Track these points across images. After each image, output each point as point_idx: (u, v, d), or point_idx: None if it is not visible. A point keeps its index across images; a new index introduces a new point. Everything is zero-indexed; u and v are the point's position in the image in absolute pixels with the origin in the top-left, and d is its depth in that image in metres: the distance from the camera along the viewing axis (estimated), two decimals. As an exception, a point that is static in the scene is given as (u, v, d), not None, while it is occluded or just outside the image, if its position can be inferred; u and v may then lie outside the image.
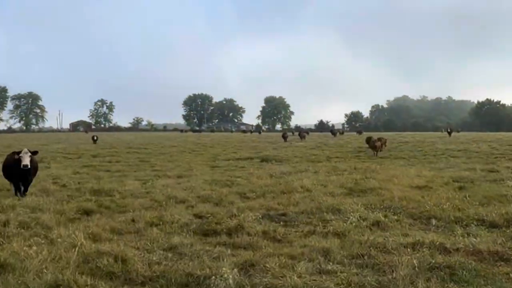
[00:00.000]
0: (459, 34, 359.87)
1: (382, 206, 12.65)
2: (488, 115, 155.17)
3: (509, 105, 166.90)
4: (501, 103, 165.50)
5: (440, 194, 14.34)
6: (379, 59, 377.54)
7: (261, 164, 30.15)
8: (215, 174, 23.19)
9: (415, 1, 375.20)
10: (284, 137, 62.65)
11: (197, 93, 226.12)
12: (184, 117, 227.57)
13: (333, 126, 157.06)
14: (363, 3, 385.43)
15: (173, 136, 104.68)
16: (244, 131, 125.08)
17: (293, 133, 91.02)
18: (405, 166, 26.82)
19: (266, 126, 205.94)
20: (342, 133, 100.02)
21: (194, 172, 24.42)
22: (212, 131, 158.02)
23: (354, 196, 14.91)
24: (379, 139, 37.19)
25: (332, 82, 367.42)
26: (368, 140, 41.53)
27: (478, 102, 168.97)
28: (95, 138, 58.13)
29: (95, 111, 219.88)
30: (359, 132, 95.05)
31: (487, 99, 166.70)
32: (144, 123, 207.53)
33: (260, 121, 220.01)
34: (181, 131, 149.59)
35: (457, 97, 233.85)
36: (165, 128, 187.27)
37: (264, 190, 16.00)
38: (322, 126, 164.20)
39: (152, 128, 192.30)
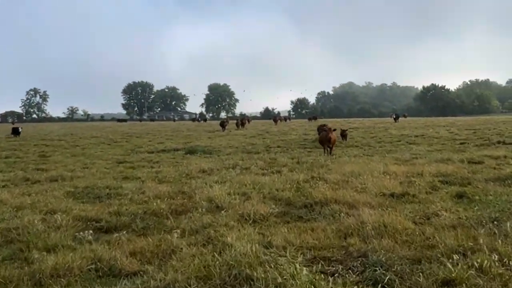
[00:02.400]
0: (404, 20, 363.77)
1: (343, 256, 6.50)
2: (433, 100, 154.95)
3: (454, 90, 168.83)
4: (445, 87, 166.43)
5: (440, 214, 8.37)
6: (325, 45, 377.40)
7: (184, 158, 24.72)
8: (106, 175, 17.29)
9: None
10: (223, 125, 55.96)
11: (137, 81, 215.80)
12: (124, 106, 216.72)
13: (278, 113, 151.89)
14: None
15: (105, 126, 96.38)
16: (193, 119, 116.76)
17: (249, 120, 78.29)
18: (361, 156, 21.45)
19: (210, 114, 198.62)
20: (286, 120, 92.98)
21: (82, 172, 18.26)
22: (152, 120, 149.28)
23: (290, 220, 8.85)
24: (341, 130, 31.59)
25: (278, 69, 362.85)
26: (321, 130, 29.78)
27: (424, 87, 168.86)
28: (19, 129, 49.20)
29: (27, 101, 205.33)
30: (314, 119, 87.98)
31: (432, 84, 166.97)
32: (79, 113, 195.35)
33: (204, 109, 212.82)
34: (118, 120, 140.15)
35: (401, 83, 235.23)
36: (102, 118, 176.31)
37: (143, 210, 9.64)
38: (268, 114, 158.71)
39: (88, 118, 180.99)
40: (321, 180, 13.23)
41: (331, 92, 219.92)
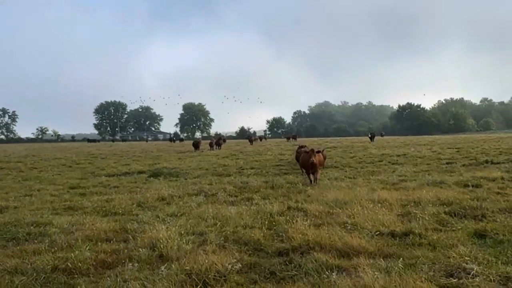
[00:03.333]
0: (380, 40, 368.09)
1: None
2: (409, 119, 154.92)
3: (429, 108, 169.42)
4: (421, 106, 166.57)
5: (468, 269, 6.04)
6: (301, 64, 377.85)
7: (147, 181, 22.12)
8: (46, 206, 15.00)
9: (338, 5, 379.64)
10: (196, 145, 53.16)
11: (110, 101, 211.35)
12: (96, 126, 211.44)
13: (254, 132, 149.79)
14: (286, 6, 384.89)
15: (73, 146, 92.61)
16: (170, 140, 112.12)
17: (224, 140, 71.30)
18: (343, 179, 19.19)
19: (185, 134, 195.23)
20: (261, 139, 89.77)
21: (19, 202, 15.99)
22: (124, 140, 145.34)
23: (259, 280, 6.41)
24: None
25: (254, 88, 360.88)
26: (300, 152, 22.72)
27: (399, 106, 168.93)
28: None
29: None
30: (293, 138, 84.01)
31: (408, 103, 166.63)
32: (49, 133, 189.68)
33: (178, 129, 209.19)
34: (88, 140, 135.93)
35: (377, 102, 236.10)
36: (73, 139, 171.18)
37: (55, 263, 7.06)
38: (243, 133, 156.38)
39: (58, 138, 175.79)
40: (300, 212, 10.95)
41: (307, 111, 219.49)
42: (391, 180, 17.92)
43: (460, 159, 28.33)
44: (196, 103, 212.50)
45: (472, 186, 15.32)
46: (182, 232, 8.59)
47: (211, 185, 18.63)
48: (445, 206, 10.96)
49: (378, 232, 8.28)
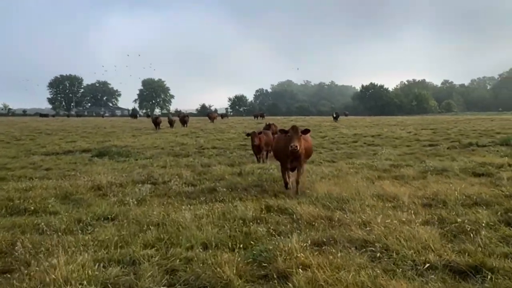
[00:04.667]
0: (344, 19, 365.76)
1: None
2: (372, 99, 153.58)
3: (392, 89, 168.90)
4: (384, 87, 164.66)
5: None
6: (265, 42, 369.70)
7: (89, 162, 18.57)
8: None
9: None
10: (156, 123, 47.90)
11: (65, 74, 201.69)
12: (50, 100, 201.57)
13: (216, 110, 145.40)
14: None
15: (21, 121, 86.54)
16: (133, 116, 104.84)
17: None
18: (320, 163, 16.47)
19: (144, 111, 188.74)
20: (223, 117, 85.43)
21: None
22: (79, 116, 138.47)
23: None
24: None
25: (216, 65, 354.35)
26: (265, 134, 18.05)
27: (363, 86, 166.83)
28: None
29: None
30: (261, 116, 79.37)
31: (371, 83, 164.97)
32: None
33: (137, 105, 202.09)
34: (41, 115, 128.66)
35: (339, 82, 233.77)
36: (24, 113, 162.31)
37: None
38: (204, 111, 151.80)
39: (9, 112, 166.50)
40: (285, 215, 7.78)
41: (269, 90, 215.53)
42: (380, 165, 14.98)
43: (441, 141, 25.86)
44: (156, 79, 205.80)
45: (483, 175, 12.64)
46: (100, 258, 5.25)
47: (164, 169, 15.42)
48: (484, 207, 7.96)
49: (429, 265, 5.13)
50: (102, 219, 7.93)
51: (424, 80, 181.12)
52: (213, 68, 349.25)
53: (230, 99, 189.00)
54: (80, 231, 7.06)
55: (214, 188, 11.19)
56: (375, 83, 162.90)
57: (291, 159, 10.64)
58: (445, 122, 49.42)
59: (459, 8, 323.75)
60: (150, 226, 7.10)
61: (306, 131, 10.84)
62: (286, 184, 10.85)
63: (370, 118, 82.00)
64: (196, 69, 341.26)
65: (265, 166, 15.12)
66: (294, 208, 8.04)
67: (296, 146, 9.95)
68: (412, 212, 7.60)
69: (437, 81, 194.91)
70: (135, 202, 9.20)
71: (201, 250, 5.95)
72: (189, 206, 8.72)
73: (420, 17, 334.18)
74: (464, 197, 8.73)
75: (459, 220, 6.79)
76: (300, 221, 7.31)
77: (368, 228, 6.56)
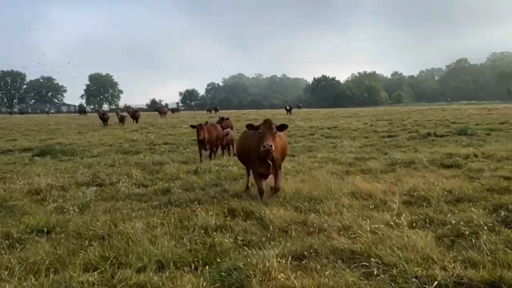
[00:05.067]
0: (294, 12, 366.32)
1: None
2: (324, 92, 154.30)
3: (343, 81, 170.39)
4: (336, 79, 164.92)
5: None
6: (216, 35, 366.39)
7: (30, 163, 16.86)
8: None
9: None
10: (104, 118, 45.63)
11: (6, 70, 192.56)
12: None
13: (166, 105, 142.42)
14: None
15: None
16: (80, 112, 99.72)
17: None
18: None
19: (91, 106, 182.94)
20: (173, 111, 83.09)
21: None
22: (22, 113, 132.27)
23: None
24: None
25: (166, 59, 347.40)
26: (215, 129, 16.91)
27: (315, 79, 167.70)
28: None
29: None
30: (215, 110, 78.34)
31: (323, 75, 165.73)
32: None
33: (84, 101, 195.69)
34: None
35: (291, 75, 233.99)
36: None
37: None
38: (154, 106, 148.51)
39: None
40: (252, 220, 6.74)
41: (221, 84, 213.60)
42: (344, 159, 14.21)
43: (399, 132, 25.65)
44: (104, 73, 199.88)
45: (452, 166, 12.12)
46: None
47: (112, 168, 14.17)
48: (469, 204, 7.23)
49: (436, 283, 4.22)
50: (36, 232, 6.68)
51: (374, 72, 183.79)
52: (163, 62, 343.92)
53: (181, 94, 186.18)
54: (6, 250, 5.81)
55: (168, 189, 10.09)
56: (327, 76, 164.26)
57: (263, 163, 8.20)
58: (399, 113, 49.78)
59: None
60: (94, 241, 5.93)
61: (282, 127, 8.53)
62: (261, 193, 8.32)
63: (323, 110, 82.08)
64: (145, 63, 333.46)
65: (222, 163, 14.08)
66: (262, 212, 7.05)
67: (271, 146, 7.63)
68: (395, 212, 6.77)
69: (387, 73, 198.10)
70: (77, 210, 7.95)
71: (155, 271, 4.86)
72: (140, 212, 7.55)
73: (370, 9, 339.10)
74: (445, 192, 7.99)
75: (453, 221, 5.97)
76: (271, 228, 6.32)
77: (352, 235, 5.65)
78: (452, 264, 4.62)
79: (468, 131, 22.88)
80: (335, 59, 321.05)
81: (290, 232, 6.11)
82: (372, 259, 4.82)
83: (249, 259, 4.95)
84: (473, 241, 5.30)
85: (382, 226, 5.95)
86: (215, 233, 6.14)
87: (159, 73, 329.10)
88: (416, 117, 39.67)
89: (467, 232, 5.56)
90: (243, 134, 9.92)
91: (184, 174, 12.29)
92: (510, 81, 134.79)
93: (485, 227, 5.70)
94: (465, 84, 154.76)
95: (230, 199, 8.50)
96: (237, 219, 6.87)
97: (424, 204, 7.37)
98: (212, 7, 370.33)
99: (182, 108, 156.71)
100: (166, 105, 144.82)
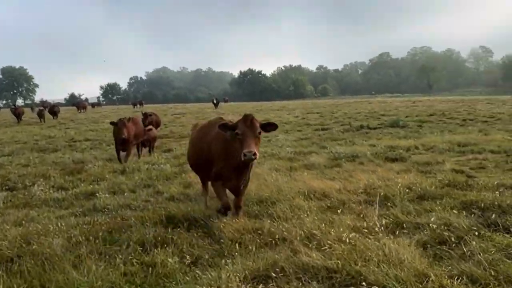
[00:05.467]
0: (220, 5, 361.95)
1: None
2: (251, 85, 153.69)
3: (270, 75, 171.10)
4: (262, 72, 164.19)
5: None
6: (138, 27, 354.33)
7: None
8: None
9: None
10: (17, 114, 42.15)
11: None
12: None
13: (86, 99, 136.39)
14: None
15: None
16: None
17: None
18: None
19: (4, 102, 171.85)
20: (94, 106, 78.29)
21: None
22: None
23: None
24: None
25: (86, 51, 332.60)
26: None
27: (241, 72, 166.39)
28: None
29: None
30: (140, 104, 75.01)
31: (249, 69, 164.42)
32: None
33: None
34: None
35: (217, 68, 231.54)
36: None
37: None
38: (74, 100, 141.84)
39: None
40: (197, 229, 5.68)
41: (144, 77, 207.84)
42: (283, 154, 13.42)
43: (332, 125, 25.40)
44: (17, 66, 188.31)
45: (397, 159, 11.76)
46: None
47: (27, 168, 12.59)
48: (435, 202, 6.60)
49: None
50: None
51: (300, 65, 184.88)
52: (82, 55, 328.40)
53: (102, 88, 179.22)
54: None
55: (92, 192, 8.79)
56: (253, 69, 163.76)
57: (237, 176, 6.11)
58: (327, 106, 50.05)
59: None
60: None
61: (270, 126, 6.24)
62: (226, 208, 6.29)
63: (251, 103, 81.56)
64: (63, 56, 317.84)
65: (152, 161, 12.86)
66: (208, 218, 6.01)
67: (254, 155, 5.46)
68: (362, 215, 5.96)
69: (312, 67, 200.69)
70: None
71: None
72: (59, 223, 6.23)
73: (296, 3, 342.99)
74: (405, 190, 7.31)
75: (432, 225, 5.20)
76: (222, 239, 5.29)
77: (321, 246, 4.73)
78: (451, 282, 3.82)
79: (400, 123, 23.00)
80: (261, 53, 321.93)
81: (245, 243, 5.11)
82: (355, 279, 3.94)
83: (201, 283, 3.91)
84: (463, 249, 4.56)
85: (353, 233, 5.10)
86: (155, 249, 5.01)
87: (78, 66, 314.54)
88: (345, 109, 39.89)
89: (452, 239, 4.83)
90: (199, 132, 7.27)
91: (110, 174, 10.98)
92: (430, 75, 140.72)
93: (470, 232, 4.98)
94: (387, 77, 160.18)
95: (167, 203, 7.39)
96: (179, 228, 5.77)
97: (388, 203, 6.63)
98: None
99: (104, 102, 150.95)
100: (86, 99, 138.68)
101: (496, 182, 7.68)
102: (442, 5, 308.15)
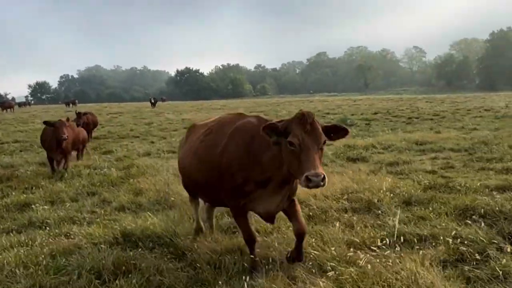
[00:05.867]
0: (155, 2, 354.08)
1: None
2: (188, 84, 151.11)
3: (207, 74, 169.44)
4: (200, 71, 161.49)
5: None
6: (68, 23, 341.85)
7: None
8: None
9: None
10: None
11: None
12: None
13: (13, 99, 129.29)
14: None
15: None
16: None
17: None
18: (160, 156, 13.61)
19: None
20: (20, 105, 73.20)
21: None
22: None
23: None
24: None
25: (10, 48, 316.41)
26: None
27: (178, 71, 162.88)
28: None
29: None
30: (73, 103, 69.69)
31: (187, 67, 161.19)
32: None
33: None
34: None
35: (152, 67, 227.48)
36: None
37: None
38: None
39: None
40: (161, 249, 4.76)
41: (76, 76, 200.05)
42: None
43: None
44: None
45: (358, 159, 11.42)
46: None
47: None
48: (423, 207, 5.97)
49: None
50: None
51: (238, 64, 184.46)
52: (8, 51, 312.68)
53: (30, 86, 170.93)
54: None
55: (26, 203, 7.52)
56: (191, 68, 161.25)
57: (275, 199, 4.40)
58: (269, 105, 49.59)
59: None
60: None
61: (338, 132, 4.35)
62: (254, 241, 4.45)
63: (190, 102, 79.77)
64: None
65: (94, 164, 11.57)
66: (175, 236, 5.01)
67: (324, 179, 3.73)
68: (352, 226, 5.17)
69: (250, 66, 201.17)
70: None
71: None
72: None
73: (234, 2, 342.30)
74: (390, 194, 6.61)
75: (448, 239, 4.46)
76: (197, 263, 4.31)
77: (326, 271, 3.88)
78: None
79: (348, 121, 22.69)
80: (198, 51, 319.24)
81: (226, 267, 4.17)
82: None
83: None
84: (495, 268, 3.84)
85: (353, 250, 4.30)
86: (115, 280, 3.96)
87: (3, 64, 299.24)
88: (289, 108, 39.47)
89: (475, 255, 4.12)
90: (204, 136, 5.07)
91: (45, 180, 9.67)
92: (367, 74, 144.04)
93: (490, 245, 4.30)
94: (325, 76, 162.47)
95: (118, 215, 6.31)
96: (140, 249, 4.73)
97: (376, 210, 5.91)
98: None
99: (32, 102, 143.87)
100: (13, 98, 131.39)
101: (479, 183, 7.15)
102: (377, 6, 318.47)
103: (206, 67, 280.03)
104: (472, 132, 16.39)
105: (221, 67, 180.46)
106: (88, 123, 17.83)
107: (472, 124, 19.06)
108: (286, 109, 38.80)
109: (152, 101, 58.65)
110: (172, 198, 7.10)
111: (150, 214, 6.09)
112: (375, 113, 28.19)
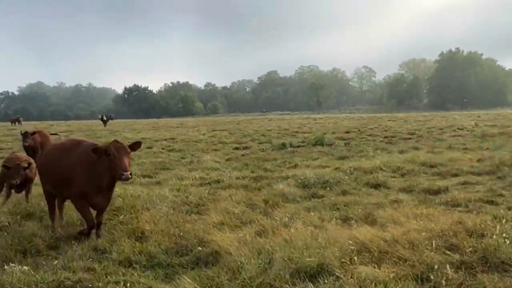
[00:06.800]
0: (102, 17, 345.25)
1: None
2: (137, 102, 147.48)
3: (157, 91, 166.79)
4: (149, 89, 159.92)
5: None
6: (9, 38, 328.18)
7: None
8: None
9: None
10: None
11: None
12: None
13: None
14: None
15: None
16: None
17: None
18: (136, 181, 11.86)
19: None
20: None
21: None
22: None
23: None
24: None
25: None
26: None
27: (126, 88, 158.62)
28: None
29: None
30: (17, 121, 62.50)
31: (135, 85, 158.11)
32: None
33: None
34: None
35: (98, 84, 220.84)
36: None
37: None
38: None
39: None
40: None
41: (16, 93, 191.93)
42: (233, 181, 11.02)
43: (248, 142, 23.34)
44: None
45: (379, 185, 10.00)
46: None
47: None
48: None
49: None
50: None
51: (188, 82, 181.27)
52: None
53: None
54: None
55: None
56: (139, 85, 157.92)
57: (104, 193, 6.71)
58: (227, 123, 48.19)
59: (221, 9, 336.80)
60: None
61: (135, 146, 6.88)
62: (94, 226, 6.64)
63: (145, 120, 77.16)
64: None
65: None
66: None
67: (130, 174, 6.35)
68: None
69: (200, 83, 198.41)
70: None
71: None
72: None
73: (184, 20, 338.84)
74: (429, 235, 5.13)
75: None
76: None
77: None
78: None
79: (325, 141, 21.42)
80: (147, 69, 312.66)
81: None
82: None
83: None
84: None
85: None
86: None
87: None
88: (251, 126, 38.18)
89: None
90: (54, 150, 7.46)
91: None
92: (320, 93, 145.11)
93: None
94: (276, 95, 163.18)
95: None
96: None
97: (413, 252, 4.39)
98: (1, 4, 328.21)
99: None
100: None
101: None
102: (328, 25, 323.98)
103: (155, 85, 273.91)
104: (469, 152, 15.35)
105: (170, 84, 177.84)
106: (35, 146, 13.45)
107: (461, 144, 18.22)
108: (249, 127, 37.55)
109: (105, 118, 55.30)
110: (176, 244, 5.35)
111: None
112: (347, 132, 27.26)
